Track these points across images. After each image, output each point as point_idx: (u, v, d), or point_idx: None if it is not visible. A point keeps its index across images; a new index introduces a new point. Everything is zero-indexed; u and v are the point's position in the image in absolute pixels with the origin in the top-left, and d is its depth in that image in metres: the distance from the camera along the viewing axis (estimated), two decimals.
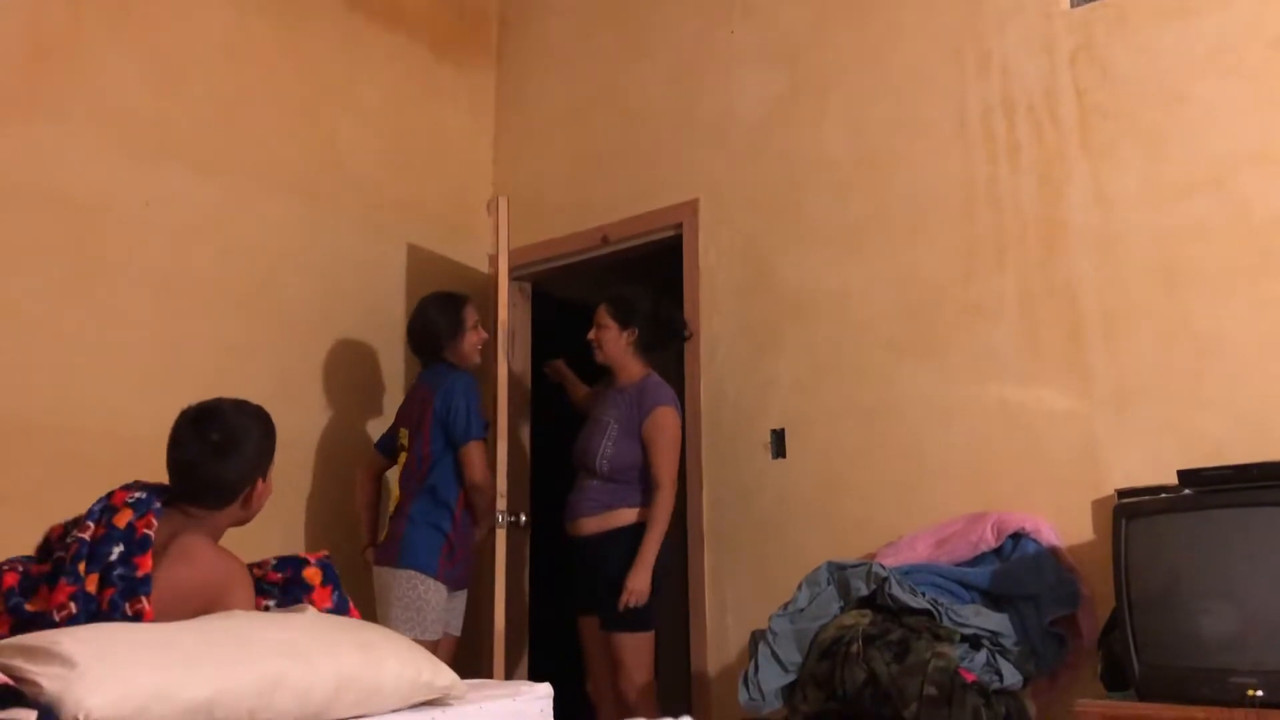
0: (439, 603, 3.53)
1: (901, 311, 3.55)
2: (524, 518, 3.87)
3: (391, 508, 3.73)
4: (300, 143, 4.08)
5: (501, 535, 3.66)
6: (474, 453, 3.61)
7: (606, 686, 3.64)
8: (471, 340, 3.83)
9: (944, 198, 3.51)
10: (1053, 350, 3.24)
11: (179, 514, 2.21)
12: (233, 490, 2.27)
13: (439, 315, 3.81)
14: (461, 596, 3.73)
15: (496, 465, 3.74)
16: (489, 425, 3.76)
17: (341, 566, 3.75)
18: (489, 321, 4.03)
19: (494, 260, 4.63)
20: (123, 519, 2.06)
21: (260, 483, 2.32)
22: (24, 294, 3.27)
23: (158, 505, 2.13)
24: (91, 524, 2.06)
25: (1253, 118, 2.99)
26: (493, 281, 4.58)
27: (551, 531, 4.05)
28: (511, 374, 4.48)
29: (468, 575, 3.75)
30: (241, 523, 2.34)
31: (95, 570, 1.99)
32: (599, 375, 3.99)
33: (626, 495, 3.60)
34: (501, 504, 3.68)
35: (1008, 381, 3.31)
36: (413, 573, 3.50)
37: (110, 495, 2.14)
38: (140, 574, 2.00)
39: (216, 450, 2.23)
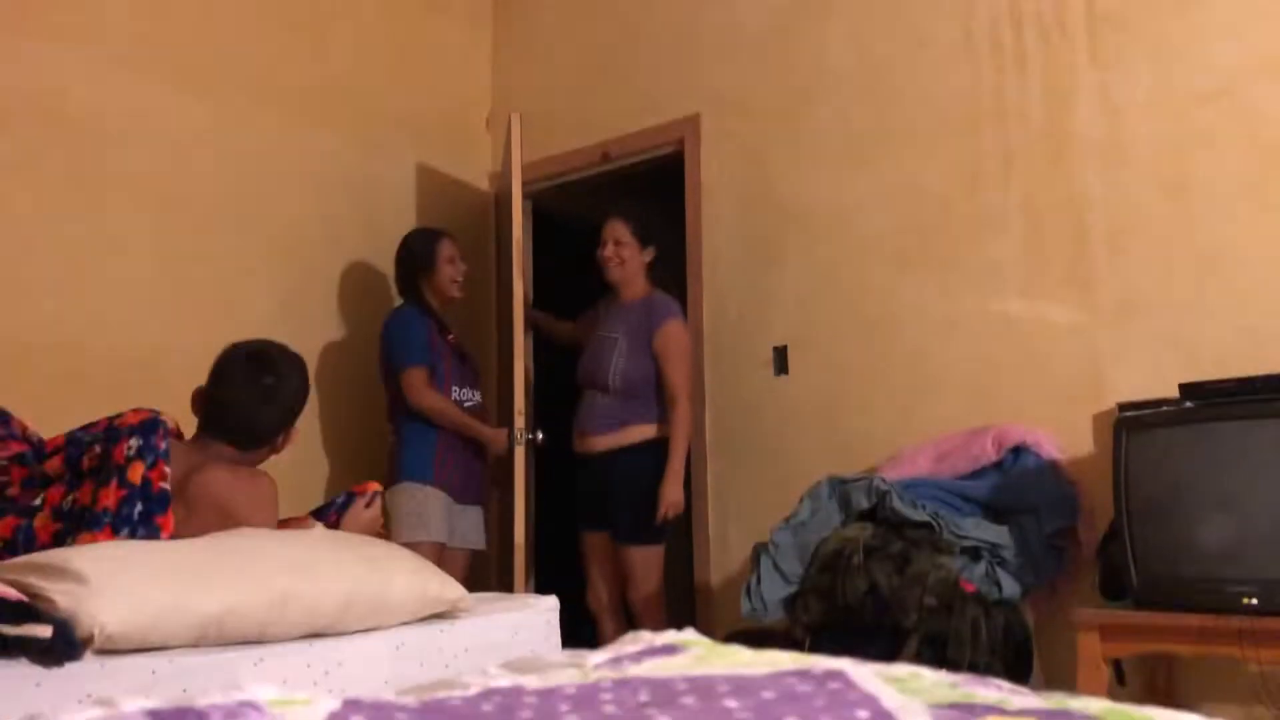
0: (438, 507, 3.57)
1: (905, 226, 3.53)
2: (540, 435, 3.89)
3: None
4: (296, 57, 4.01)
5: (520, 453, 3.69)
6: (406, 379, 3.62)
7: (609, 599, 3.71)
8: (446, 273, 3.83)
9: (949, 110, 3.47)
10: (1057, 264, 3.22)
11: (202, 449, 2.23)
12: (269, 435, 2.32)
13: (414, 249, 3.86)
14: (473, 511, 3.76)
15: (515, 384, 3.75)
16: (431, 354, 3.70)
17: (331, 486, 3.79)
18: (483, 242, 3.99)
19: (494, 178, 4.59)
20: (136, 473, 2.04)
21: (292, 431, 2.38)
22: (20, 211, 3.25)
23: (163, 448, 2.09)
24: (104, 486, 2.03)
25: (1265, 26, 2.93)
26: (496, 199, 4.55)
27: (552, 448, 4.08)
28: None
29: (476, 490, 3.78)
30: (264, 457, 2.39)
31: (126, 530, 2.00)
32: (588, 295, 3.98)
33: (640, 411, 3.62)
34: (520, 422, 3.71)
35: (1011, 296, 3.30)
36: (406, 483, 3.58)
37: (111, 437, 2.08)
38: (164, 537, 2.01)
39: (266, 396, 2.26)
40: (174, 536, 2.03)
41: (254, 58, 3.87)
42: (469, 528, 3.73)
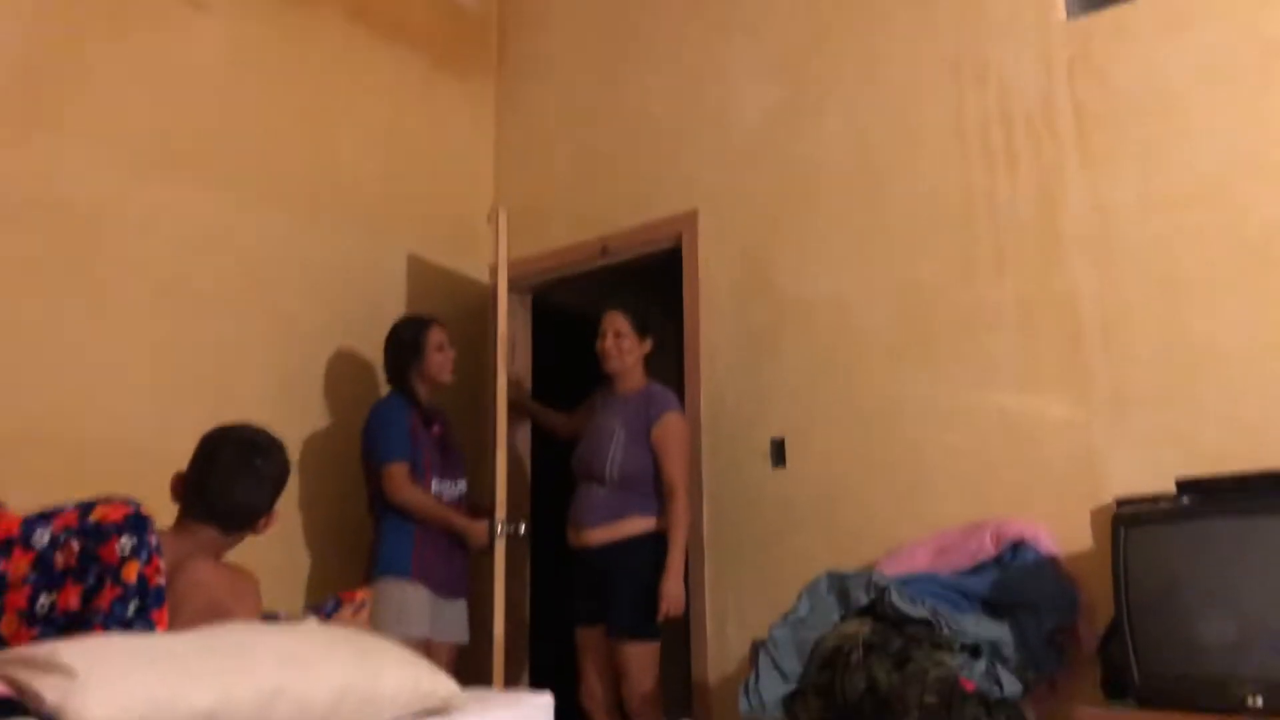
0: (419, 602, 3.52)
1: (900, 319, 3.56)
2: (524, 527, 3.86)
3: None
4: (301, 153, 4.09)
5: (501, 545, 3.66)
6: (387, 475, 3.60)
7: (604, 697, 3.65)
8: (436, 361, 3.83)
9: (943, 207, 3.53)
10: (1051, 358, 3.25)
11: (186, 536, 2.23)
12: (255, 518, 2.32)
13: (403, 337, 3.86)
14: (457, 605, 3.71)
15: (496, 476, 3.74)
16: (412, 447, 3.70)
17: (336, 577, 3.76)
18: (484, 335, 4.01)
19: (494, 271, 4.64)
20: (131, 572, 2.02)
21: (275, 512, 2.38)
22: (25, 305, 3.28)
23: (154, 541, 2.07)
24: (99, 590, 2.01)
25: (1249, 128, 3.00)
26: (492, 292, 4.59)
27: (550, 541, 4.05)
28: (511, 383, 4.49)
29: (458, 582, 3.72)
30: (244, 537, 2.39)
31: (118, 628, 1.98)
32: (586, 386, 4.00)
33: (637, 503, 3.60)
34: (501, 513, 3.67)
35: (1006, 389, 3.32)
36: (386, 578, 3.53)
37: (95, 535, 2.05)
38: (159, 630, 2.00)
39: (257, 478, 2.27)
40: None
41: (259, 153, 3.95)
42: (452, 621, 3.67)
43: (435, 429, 3.80)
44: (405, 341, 3.84)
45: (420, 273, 4.44)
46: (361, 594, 2.50)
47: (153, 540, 2.06)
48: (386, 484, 3.60)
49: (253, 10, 4.01)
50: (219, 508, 2.27)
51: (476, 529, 3.68)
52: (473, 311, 4.61)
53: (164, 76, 3.72)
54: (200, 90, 3.81)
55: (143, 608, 2.00)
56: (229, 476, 2.27)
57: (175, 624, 2.04)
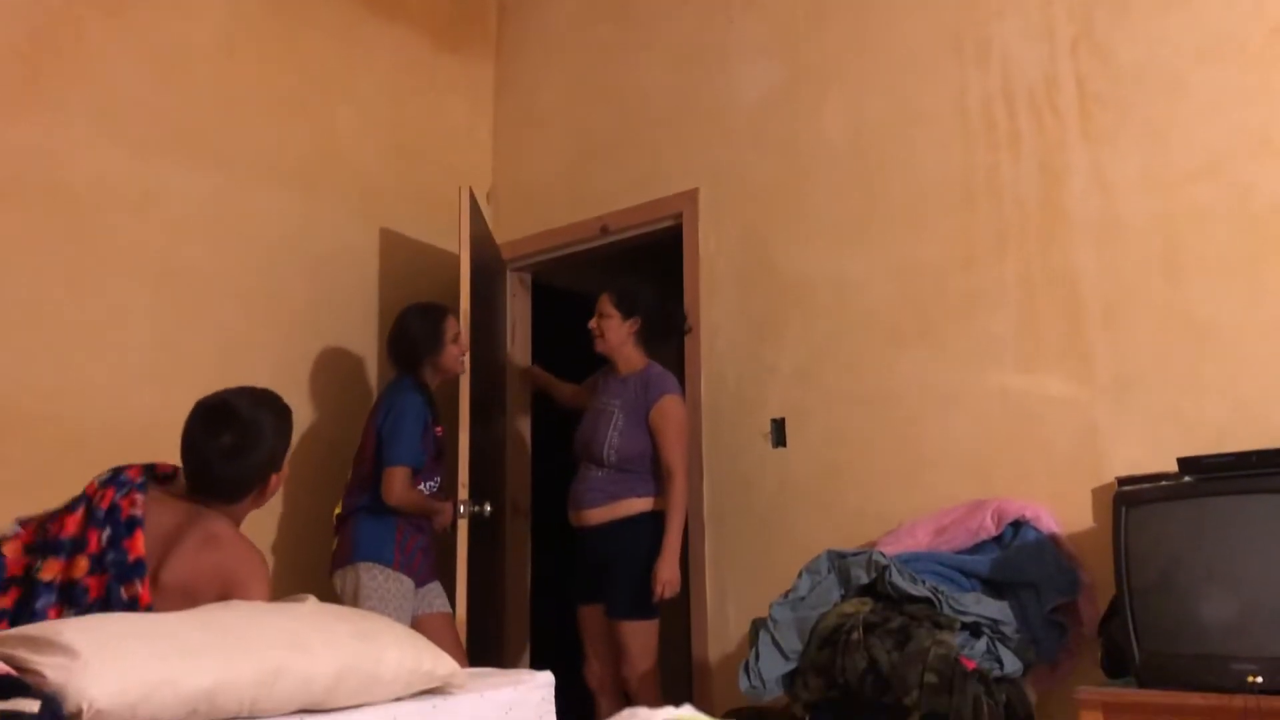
0: (400, 591, 3.46)
1: (902, 299, 3.55)
2: (488, 508, 3.82)
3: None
4: (298, 133, 4.07)
5: (464, 525, 3.63)
6: (392, 477, 3.48)
7: (605, 675, 3.66)
8: (452, 353, 3.74)
9: (944, 186, 3.51)
10: (1053, 338, 3.24)
11: (198, 501, 2.24)
12: (248, 486, 2.29)
13: (418, 327, 3.73)
14: (433, 586, 3.65)
15: (460, 456, 3.69)
16: (437, 452, 3.65)
17: (314, 562, 3.71)
18: (481, 316, 3.97)
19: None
20: (105, 500, 2.07)
21: (274, 476, 2.33)
22: (22, 285, 3.28)
23: (140, 482, 2.13)
24: (69, 515, 2.07)
25: (1254, 105, 2.98)
26: (502, 272, 4.57)
27: (554, 521, 4.05)
28: (512, 365, 4.49)
29: (432, 571, 3.66)
30: (255, 507, 2.37)
31: (80, 555, 2.02)
32: (589, 369, 3.99)
33: (634, 484, 3.60)
34: (463, 494, 3.64)
35: (1008, 369, 3.31)
36: (369, 564, 3.45)
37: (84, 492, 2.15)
38: (131, 558, 2.01)
39: (229, 452, 2.24)
40: (156, 575, 2.07)
41: (258, 135, 3.94)
42: (427, 595, 3.62)
43: (438, 430, 3.70)
44: (421, 331, 3.72)
45: (415, 253, 4.41)
46: None
47: (138, 482, 2.15)
48: (387, 483, 3.48)
49: None
50: (197, 484, 2.26)
51: (444, 509, 3.64)
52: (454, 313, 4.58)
53: (162, 54, 3.70)
54: (199, 68, 3.80)
55: (115, 535, 2.05)
56: (196, 450, 2.25)
57: (194, 565, 2.09)
